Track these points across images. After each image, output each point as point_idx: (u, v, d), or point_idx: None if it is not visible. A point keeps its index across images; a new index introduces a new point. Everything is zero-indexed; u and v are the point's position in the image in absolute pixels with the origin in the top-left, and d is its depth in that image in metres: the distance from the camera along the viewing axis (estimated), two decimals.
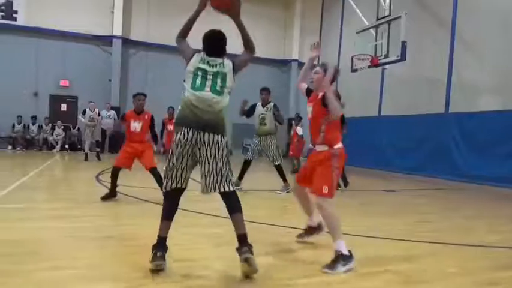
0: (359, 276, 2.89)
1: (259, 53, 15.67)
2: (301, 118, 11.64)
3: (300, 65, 19.95)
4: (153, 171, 5.60)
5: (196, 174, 2.93)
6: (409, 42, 10.15)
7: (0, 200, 5.13)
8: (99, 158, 12.19)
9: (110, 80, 16.64)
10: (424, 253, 3.62)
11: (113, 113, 15.66)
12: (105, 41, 16.80)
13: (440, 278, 2.95)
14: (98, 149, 13.01)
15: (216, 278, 2.72)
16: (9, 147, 15.21)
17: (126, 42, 17.13)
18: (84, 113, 12.97)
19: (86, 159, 11.95)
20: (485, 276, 3.08)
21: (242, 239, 2.76)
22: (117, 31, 16.72)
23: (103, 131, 15.50)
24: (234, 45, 3.78)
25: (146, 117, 5.89)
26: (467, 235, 4.58)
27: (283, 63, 20.13)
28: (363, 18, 13.79)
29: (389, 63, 10.95)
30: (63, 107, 16.71)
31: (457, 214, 6.17)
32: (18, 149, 15.20)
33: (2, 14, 15.47)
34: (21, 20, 15.67)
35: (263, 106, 7.21)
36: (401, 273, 2.99)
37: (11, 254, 2.99)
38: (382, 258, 3.48)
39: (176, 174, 2.85)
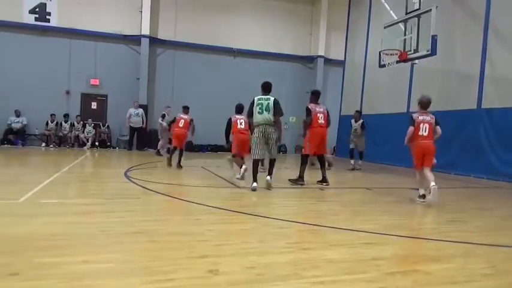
0: (388, 275, 2.85)
1: (285, 49, 16.00)
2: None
3: (327, 61, 19.76)
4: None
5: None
6: (440, 36, 9.86)
7: (34, 195, 5.33)
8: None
9: (138, 79, 16.97)
10: (455, 253, 3.52)
11: (141, 111, 16.00)
12: (134, 40, 17.14)
13: (471, 280, 2.87)
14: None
15: (242, 274, 2.73)
16: (43, 144, 15.77)
17: (154, 41, 17.42)
18: (163, 116, 13.85)
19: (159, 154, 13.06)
20: None
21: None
22: (145, 30, 17.02)
23: (132, 129, 15.88)
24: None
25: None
26: (500, 236, 4.43)
27: (309, 60, 19.96)
28: (391, 12, 13.49)
29: (419, 58, 10.66)
30: (94, 105, 17.17)
31: (490, 214, 5.97)
32: (51, 146, 15.75)
33: (36, 15, 16.02)
34: (54, 21, 16.20)
35: None
36: (430, 274, 2.92)
37: (44, 248, 3.11)
38: (411, 257, 3.43)
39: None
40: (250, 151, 7.25)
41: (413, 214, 5.72)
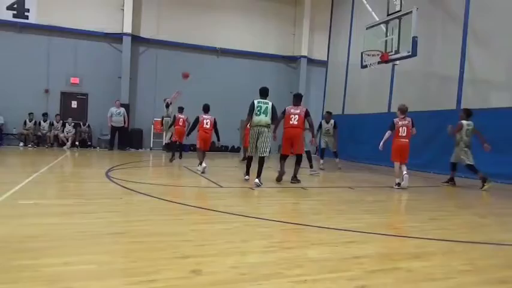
0: (370, 273, 2.87)
1: (268, 49, 16.06)
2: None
3: (310, 61, 19.89)
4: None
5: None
6: (420, 38, 10.03)
7: (12, 196, 5.20)
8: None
9: (119, 78, 16.74)
10: (435, 251, 3.58)
11: (122, 110, 15.80)
12: (115, 38, 16.90)
13: (451, 276, 2.92)
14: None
15: (225, 274, 2.71)
16: (21, 144, 15.41)
17: (136, 39, 17.21)
18: (167, 106, 14.68)
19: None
20: (496, 274, 3.04)
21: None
22: (127, 29, 16.80)
23: (113, 128, 15.66)
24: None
25: None
26: (478, 233, 4.53)
27: (292, 60, 20.06)
28: (373, 13, 13.68)
29: (400, 59, 10.84)
30: (74, 104, 16.86)
31: (468, 211, 6.10)
32: (30, 146, 15.39)
33: (14, 12, 15.63)
34: (32, 18, 15.83)
35: None
36: (411, 271, 2.97)
37: (23, 250, 3.03)
38: (393, 255, 3.47)
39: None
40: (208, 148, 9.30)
41: (395, 213, 5.81)
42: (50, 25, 15.95)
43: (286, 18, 19.84)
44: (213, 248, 3.30)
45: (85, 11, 16.43)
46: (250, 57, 18.96)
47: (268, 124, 7.36)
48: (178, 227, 4.07)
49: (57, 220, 4.08)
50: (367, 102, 14.53)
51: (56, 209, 4.65)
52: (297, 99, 7.98)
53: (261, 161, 7.29)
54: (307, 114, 7.81)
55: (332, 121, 11.91)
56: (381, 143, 8.03)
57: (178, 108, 12.54)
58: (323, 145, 12.04)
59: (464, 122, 8.57)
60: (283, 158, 7.96)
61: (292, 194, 6.85)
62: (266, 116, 7.30)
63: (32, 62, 15.89)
